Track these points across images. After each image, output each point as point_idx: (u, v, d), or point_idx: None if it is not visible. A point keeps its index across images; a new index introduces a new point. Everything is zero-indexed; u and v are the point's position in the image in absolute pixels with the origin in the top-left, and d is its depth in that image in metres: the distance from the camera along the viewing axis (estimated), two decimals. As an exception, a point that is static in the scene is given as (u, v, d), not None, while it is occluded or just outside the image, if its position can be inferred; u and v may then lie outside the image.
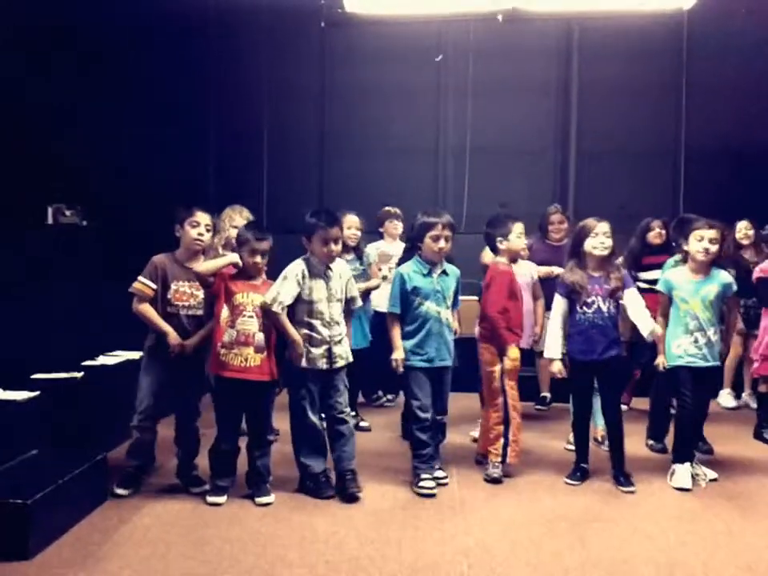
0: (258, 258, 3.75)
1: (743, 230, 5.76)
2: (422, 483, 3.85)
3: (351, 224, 5.03)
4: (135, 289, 3.79)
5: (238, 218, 4.74)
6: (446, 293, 3.98)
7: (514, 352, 4.10)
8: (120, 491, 3.78)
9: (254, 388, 3.73)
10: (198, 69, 7.29)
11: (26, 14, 5.54)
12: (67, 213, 5.94)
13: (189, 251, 3.87)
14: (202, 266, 3.74)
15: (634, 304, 4.01)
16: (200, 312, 3.85)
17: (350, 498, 3.72)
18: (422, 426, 3.92)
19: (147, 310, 3.79)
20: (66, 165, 6.00)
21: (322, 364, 3.77)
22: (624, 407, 5.74)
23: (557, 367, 4.08)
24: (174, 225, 3.85)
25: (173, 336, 3.76)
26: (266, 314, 3.71)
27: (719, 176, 7.25)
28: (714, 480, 4.02)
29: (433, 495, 3.80)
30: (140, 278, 3.80)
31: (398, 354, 3.92)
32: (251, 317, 3.71)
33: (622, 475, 4.03)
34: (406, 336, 3.96)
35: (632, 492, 3.93)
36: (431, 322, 3.93)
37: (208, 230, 3.86)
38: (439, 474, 3.98)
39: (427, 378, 3.95)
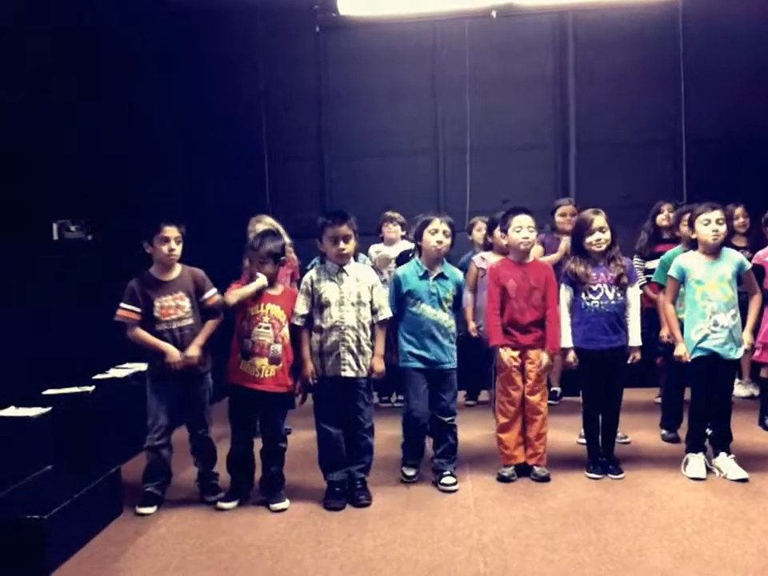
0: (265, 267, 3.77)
1: (740, 217, 5.59)
2: (403, 470, 4.06)
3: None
4: (120, 317, 3.77)
5: (258, 225, 4.81)
6: (444, 295, 3.97)
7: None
8: (144, 510, 3.76)
9: (267, 399, 3.75)
10: (194, 75, 7.30)
11: (29, 18, 5.56)
12: (72, 228, 5.97)
13: (162, 266, 3.85)
14: (233, 295, 3.71)
15: (633, 307, 4.07)
16: (190, 320, 3.84)
17: (358, 506, 3.72)
18: (411, 425, 4.01)
19: (140, 334, 3.78)
20: (70, 179, 6.02)
21: (334, 371, 3.75)
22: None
23: (571, 356, 4.05)
24: (143, 242, 3.81)
25: (172, 353, 3.75)
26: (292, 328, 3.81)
27: (720, 162, 7.21)
28: (744, 480, 3.88)
29: (407, 482, 3.99)
30: (121, 304, 3.77)
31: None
32: (267, 328, 3.73)
33: (611, 463, 4.06)
34: (403, 339, 3.96)
35: (621, 479, 3.97)
36: (427, 324, 3.93)
37: (178, 243, 3.81)
38: (447, 480, 3.91)
39: (425, 378, 3.95)
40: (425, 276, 3.97)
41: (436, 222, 3.97)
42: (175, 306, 3.80)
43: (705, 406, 4.02)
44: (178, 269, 3.88)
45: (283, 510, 3.72)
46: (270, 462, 3.83)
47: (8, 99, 5.29)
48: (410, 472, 4.08)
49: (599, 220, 4.03)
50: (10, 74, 5.32)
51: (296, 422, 4.94)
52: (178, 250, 3.81)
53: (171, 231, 3.78)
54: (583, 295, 4.03)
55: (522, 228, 4.04)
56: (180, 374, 3.77)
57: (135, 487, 3.96)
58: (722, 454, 3.98)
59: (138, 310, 3.76)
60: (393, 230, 5.72)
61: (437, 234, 3.95)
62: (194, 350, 3.78)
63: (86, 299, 5.31)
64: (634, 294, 4.09)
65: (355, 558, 3.12)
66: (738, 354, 3.98)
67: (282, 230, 4.96)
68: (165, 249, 3.77)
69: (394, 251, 5.61)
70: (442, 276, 3.99)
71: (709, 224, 3.94)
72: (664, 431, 4.74)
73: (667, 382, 4.81)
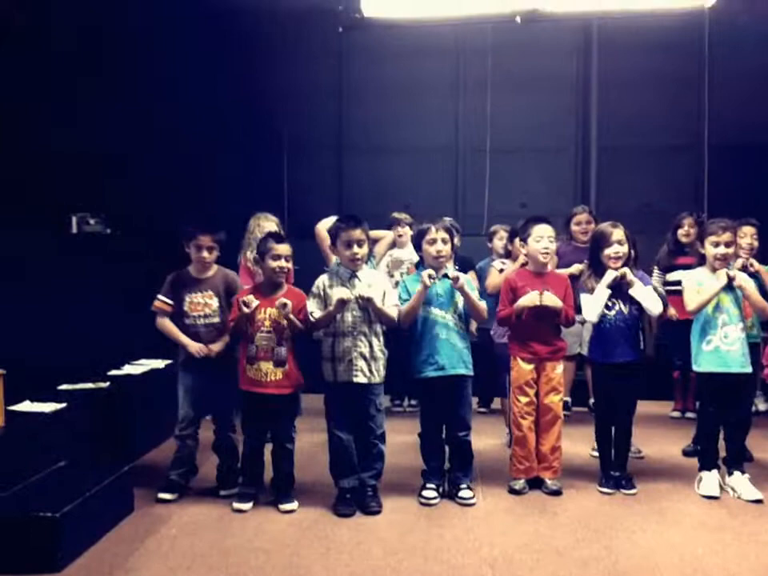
0: (283, 262, 3.80)
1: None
2: (421, 492, 3.89)
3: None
4: (156, 307, 4.04)
5: (267, 224, 4.80)
6: (450, 296, 3.89)
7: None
8: (164, 495, 3.92)
9: (274, 401, 3.79)
10: (216, 72, 7.30)
11: (59, 15, 5.60)
12: (91, 221, 6.01)
13: (197, 267, 4.06)
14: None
15: (638, 287, 3.94)
16: (216, 319, 4.00)
17: (368, 514, 3.72)
18: (425, 439, 3.99)
19: (166, 324, 4.02)
20: (90, 173, 6.06)
21: (346, 377, 3.75)
22: (676, 414, 5.61)
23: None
24: (181, 241, 4.04)
25: (191, 346, 3.95)
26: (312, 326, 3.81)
27: (743, 170, 7.15)
28: (759, 501, 3.81)
29: (428, 505, 3.82)
30: (158, 296, 4.03)
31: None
32: (269, 332, 3.77)
33: (623, 478, 4.03)
34: (416, 346, 3.91)
35: (633, 494, 3.94)
36: (438, 327, 3.87)
37: (211, 251, 4.01)
38: (465, 494, 3.86)
39: (439, 389, 3.89)
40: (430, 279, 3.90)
41: (432, 231, 3.90)
42: (203, 304, 4.00)
43: (716, 421, 3.99)
44: (213, 269, 4.08)
45: (292, 511, 3.75)
46: (280, 462, 3.87)
47: (32, 95, 5.33)
48: (431, 494, 3.88)
49: (618, 233, 3.98)
50: (35, 70, 5.35)
51: (306, 425, 4.93)
52: (210, 256, 4.01)
53: (206, 240, 3.97)
54: None
55: (542, 238, 4.02)
56: (204, 366, 3.94)
57: (149, 483, 4.03)
58: (736, 473, 3.94)
59: (171, 302, 3.99)
60: (401, 232, 5.69)
61: (435, 243, 3.89)
62: (216, 346, 3.97)
63: (103, 294, 5.34)
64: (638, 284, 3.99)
65: (364, 566, 3.12)
66: (750, 367, 3.95)
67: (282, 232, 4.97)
68: (197, 255, 4.00)
69: (405, 253, 5.59)
70: (446, 276, 3.89)
71: (718, 246, 3.92)
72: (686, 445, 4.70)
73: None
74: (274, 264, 3.79)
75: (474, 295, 3.93)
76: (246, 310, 3.69)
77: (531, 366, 4.03)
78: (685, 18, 6.82)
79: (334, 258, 4.10)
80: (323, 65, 7.76)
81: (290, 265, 3.86)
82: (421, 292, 3.80)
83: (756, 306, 3.94)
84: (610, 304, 3.99)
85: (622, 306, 3.99)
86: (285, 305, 3.69)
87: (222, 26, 7.25)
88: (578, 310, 4.18)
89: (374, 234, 5.27)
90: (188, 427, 4.02)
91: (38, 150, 5.49)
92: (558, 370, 4.04)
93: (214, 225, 4.04)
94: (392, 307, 3.83)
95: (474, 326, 4.87)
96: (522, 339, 4.05)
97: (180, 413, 4.03)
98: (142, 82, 6.52)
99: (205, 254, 3.98)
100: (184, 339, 3.97)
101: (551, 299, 3.95)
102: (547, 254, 4.05)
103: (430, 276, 3.77)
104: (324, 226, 4.86)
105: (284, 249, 3.82)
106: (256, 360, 3.76)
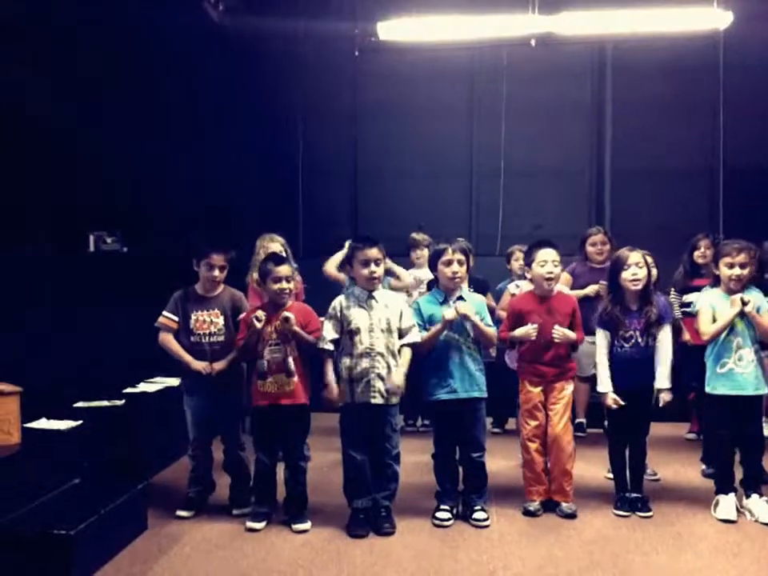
0: (284, 284, 3.83)
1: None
2: (435, 514, 3.87)
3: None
4: (160, 323, 4.04)
5: (272, 245, 4.82)
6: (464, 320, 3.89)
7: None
8: (182, 513, 3.96)
9: (286, 415, 3.80)
10: (232, 94, 7.38)
11: (70, 29, 5.69)
12: (108, 240, 6.09)
13: (206, 285, 4.07)
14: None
15: (663, 348, 3.96)
16: (221, 338, 4.00)
17: (382, 535, 3.70)
18: (439, 460, 3.97)
19: (168, 340, 4.02)
20: (108, 192, 6.13)
21: (363, 398, 3.74)
22: (692, 435, 5.55)
23: (611, 399, 3.95)
24: (193, 260, 4.04)
25: (194, 364, 3.94)
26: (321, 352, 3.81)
27: (758, 193, 7.12)
28: None
29: (441, 527, 3.79)
30: (164, 312, 4.04)
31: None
32: (277, 345, 3.79)
33: (639, 500, 3.98)
34: (429, 369, 3.90)
35: (649, 517, 3.90)
36: (451, 350, 3.86)
37: (222, 270, 4.04)
38: (479, 515, 3.83)
39: (453, 411, 3.87)
40: (444, 302, 3.92)
41: (449, 252, 3.88)
42: (209, 322, 4.00)
43: (731, 444, 3.96)
44: (220, 288, 4.09)
45: (305, 530, 3.74)
46: (293, 481, 3.86)
47: (48, 114, 5.42)
48: (445, 515, 3.85)
49: (635, 256, 3.97)
50: (53, 88, 5.45)
51: (318, 444, 4.94)
52: (221, 276, 4.04)
53: (218, 259, 3.99)
54: (616, 341, 4.00)
55: (546, 263, 4.00)
56: (208, 387, 3.93)
57: (163, 500, 4.05)
58: (754, 496, 3.90)
59: (176, 319, 4.00)
60: (420, 255, 5.72)
61: (451, 264, 3.87)
62: (220, 364, 3.95)
63: (119, 312, 5.38)
64: (664, 334, 4.00)
65: (377, 588, 3.11)
66: (764, 389, 3.92)
67: (289, 252, 5.00)
68: (208, 274, 4.00)
69: (424, 274, 5.61)
70: (460, 299, 3.92)
71: (732, 267, 3.90)
72: (704, 467, 4.63)
73: (708, 415, 4.69)
74: (275, 286, 3.82)
75: (483, 323, 3.91)
76: (257, 324, 3.71)
77: (539, 389, 4.01)
78: (699, 41, 6.85)
79: (342, 277, 4.11)
80: (339, 87, 7.82)
81: (291, 285, 3.87)
82: (445, 324, 3.80)
83: (765, 334, 3.91)
84: (627, 336, 3.97)
85: (639, 338, 3.96)
86: (287, 319, 3.71)
87: (238, 49, 7.34)
88: (591, 332, 4.18)
89: (395, 269, 5.26)
90: (197, 448, 4.06)
91: (55, 168, 5.57)
92: (566, 391, 4.01)
93: (225, 244, 4.05)
94: (412, 331, 3.82)
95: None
96: (529, 362, 4.05)
97: (190, 434, 4.05)
98: (158, 102, 6.60)
99: (216, 272, 3.99)
100: (186, 357, 3.96)
101: (563, 334, 3.95)
102: (551, 278, 4.03)
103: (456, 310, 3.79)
104: (332, 263, 4.93)
105: (284, 270, 3.84)
106: (268, 374, 3.78)
